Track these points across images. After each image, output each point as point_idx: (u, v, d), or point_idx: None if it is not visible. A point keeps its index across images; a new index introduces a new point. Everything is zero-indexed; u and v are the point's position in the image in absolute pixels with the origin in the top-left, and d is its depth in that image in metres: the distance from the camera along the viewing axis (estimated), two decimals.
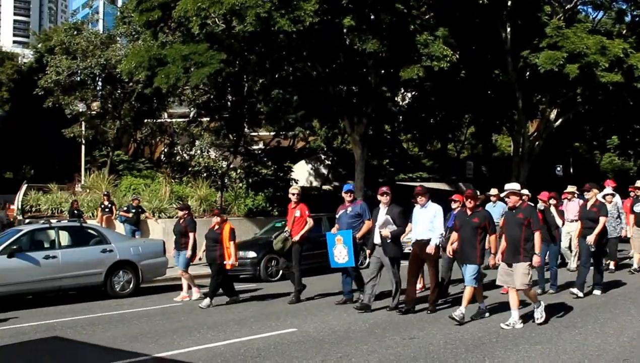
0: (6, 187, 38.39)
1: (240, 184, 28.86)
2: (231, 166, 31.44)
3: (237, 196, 26.80)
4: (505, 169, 35.30)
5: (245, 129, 31.73)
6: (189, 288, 13.83)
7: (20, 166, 50.86)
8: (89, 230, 15.50)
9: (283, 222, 18.82)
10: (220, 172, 30.71)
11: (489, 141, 44.37)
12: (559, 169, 35.42)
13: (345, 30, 22.16)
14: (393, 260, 11.05)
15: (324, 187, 34.03)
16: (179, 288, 14.50)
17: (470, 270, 9.97)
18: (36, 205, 24.67)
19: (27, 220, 21.90)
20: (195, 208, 24.52)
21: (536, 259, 9.34)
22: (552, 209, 12.97)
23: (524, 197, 13.44)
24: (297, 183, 33.76)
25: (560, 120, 30.25)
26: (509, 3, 26.42)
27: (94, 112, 32.85)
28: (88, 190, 26.32)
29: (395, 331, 9.31)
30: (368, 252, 11.86)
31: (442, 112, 34.11)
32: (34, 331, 10.58)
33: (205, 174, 30.45)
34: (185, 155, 36.97)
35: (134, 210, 21.54)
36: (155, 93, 28.86)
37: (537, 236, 9.35)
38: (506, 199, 9.78)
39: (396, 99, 32.86)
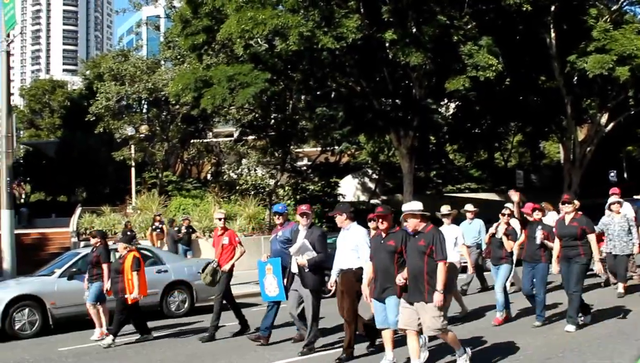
0: (61, 210, 39.29)
1: (288, 201, 29.00)
2: (278, 183, 31.64)
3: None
4: (556, 177, 34.73)
5: (291, 146, 31.91)
6: (100, 326, 11.98)
7: (73, 189, 52.05)
8: (143, 251, 15.73)
9: None
10: (267, 189, 30.92)
11: (537, 148, 43.74)
12: (612, 174, 34.58)
13: (387, 45, 22.20)
14: (313, 293, 9.37)
15: (372, 201, 33.96)
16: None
17: (391, 306, 7.92)
18: (90, 227, 25.17)
19: (82, 243, 22.42)
20: (244, 227, 24.69)
21: (437, 297, 7.33)
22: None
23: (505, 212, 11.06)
24: (344, 198, 33.78)
25: (611, 124, 29.67)
26: (553, 8, 26.10)
27: (143, 135, 33.50)
28: (139, 212, 26.76)
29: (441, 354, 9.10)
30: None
31: (487, 120, 33.81)
32: (95, 351, 10.76)
33: (253, 192, 30.74)
34: (232, 174, 37.37)
35: (185, 230, 21.79)
36: (201, 114, 29.30)
37: (440, 268, 7.42)
38: (404, 224, 7.85)
39: (440, 109, 32.72)
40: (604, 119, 29.65)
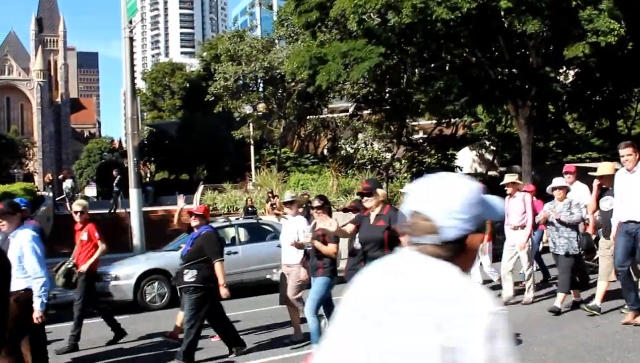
0: (184, 188, 41.10)
1: (405, 174, 29.04)
2: (395, 157, 31.70)
3: (403, 186, 27.00)
4: None
5: (407, 120, 31.87)
6: None
7: (194, 168, 54.26)
8: (265, 226, 16.35)
9: None
10: (384, 163, 31.06)
11: None
12: None
13: (503, 13, 21.69)
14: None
15: (490, 173, 33.42)
16: None
17: None
18: (213, 204, 26.22)
19: None
20: None
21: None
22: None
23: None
24: (461, 170, 33.41)
25: None
26: None
27: (260, 113, 34.43)
28: (259, 188, 27.59)
29: None
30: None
31: (609, 87, 32.38)
32: None
33: (369, 166, 30.94)
34: (349, 148, 37.77)
35: (304, 205, 22.24)
36: (316, 90, 29.75)
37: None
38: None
39: (559, 77, 31.66)
40: None
